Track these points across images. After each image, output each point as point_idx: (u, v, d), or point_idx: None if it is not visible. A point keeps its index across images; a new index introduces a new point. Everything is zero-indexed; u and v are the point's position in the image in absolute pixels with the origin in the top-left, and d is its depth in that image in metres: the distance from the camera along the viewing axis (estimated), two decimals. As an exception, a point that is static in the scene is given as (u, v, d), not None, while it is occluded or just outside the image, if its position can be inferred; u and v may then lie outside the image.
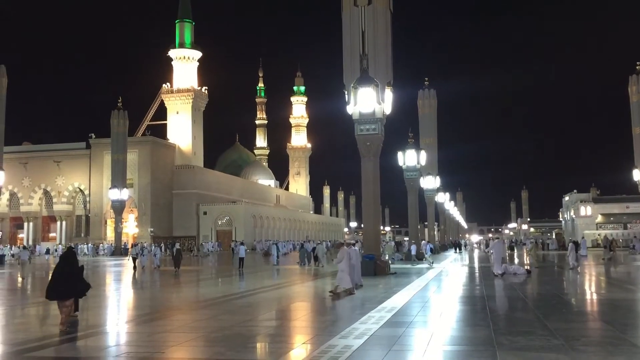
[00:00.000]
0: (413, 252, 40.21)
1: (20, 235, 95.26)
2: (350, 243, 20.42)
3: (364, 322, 12.23)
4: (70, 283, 12.20)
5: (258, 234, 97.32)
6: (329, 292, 18.05)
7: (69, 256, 12.62)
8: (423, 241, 48.65)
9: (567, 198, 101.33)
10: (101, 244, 75.74)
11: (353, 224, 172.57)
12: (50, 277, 12.50)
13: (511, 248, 59.51)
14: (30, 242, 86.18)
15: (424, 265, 34.79)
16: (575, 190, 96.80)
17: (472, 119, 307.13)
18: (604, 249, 43.94)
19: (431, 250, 37.70)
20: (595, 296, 18.82)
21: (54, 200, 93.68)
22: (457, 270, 30.86)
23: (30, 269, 39.59)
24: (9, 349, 10.30)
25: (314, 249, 37.52)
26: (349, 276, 17.55)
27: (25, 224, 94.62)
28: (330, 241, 77.56)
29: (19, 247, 58.03)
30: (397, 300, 16.19)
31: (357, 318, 12.75)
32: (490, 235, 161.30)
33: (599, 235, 69.54)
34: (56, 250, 64.60)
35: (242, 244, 38.18)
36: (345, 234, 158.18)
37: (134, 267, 34.07)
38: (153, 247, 53.27)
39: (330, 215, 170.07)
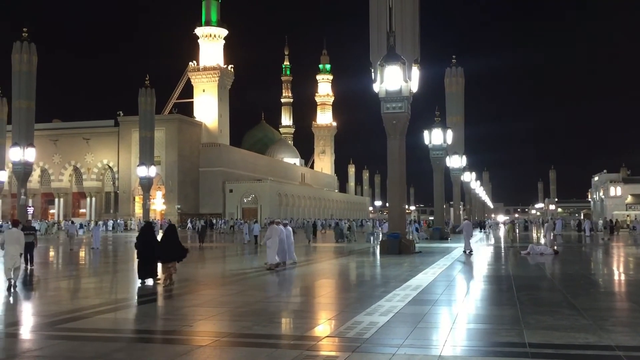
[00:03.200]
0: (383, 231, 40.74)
1: (51, 211, 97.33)
2: (280, 222, 21.52)
3: (389, 299, 12.26)
4: (172, 249, 14.99)
5: (283, 212, 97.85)
6: (265, 262, 19.64)
7: (171, 229, 15.67)
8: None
9: (596, 178, 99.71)
10: (128, 220, 77.09)
11: (378, 203, 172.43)
12: (160, 245, 15.35)
13: (526, 228, 59.10)
14: (62, 218, 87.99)
15: (450, 245, 34.69)
16: (604, 170, 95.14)
17: (500, 97, 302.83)
18: (604, 229, 44.50)
19: (417, 230, 38.06)
20: (623, 276, 18.58)
21: (84, 177, 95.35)
22: (482, 250, 30.69)
23: (79, 242, 40.20)
24: (44, 320, 10.58)
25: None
26: (274, 253, 19.22)
27: (56, 200, 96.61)
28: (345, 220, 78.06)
29: (67, 222, 59.55)
30: (422, 279, 16.19)
31: (382, 296, 12.79)
32: (516, 215, 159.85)
33: (628, 216, 68.35)
34: (87, 225, 65.90)
35: (255, 222, 40.42)
36: (370, 212, 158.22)
37: None
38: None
39: (355, 194, 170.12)
